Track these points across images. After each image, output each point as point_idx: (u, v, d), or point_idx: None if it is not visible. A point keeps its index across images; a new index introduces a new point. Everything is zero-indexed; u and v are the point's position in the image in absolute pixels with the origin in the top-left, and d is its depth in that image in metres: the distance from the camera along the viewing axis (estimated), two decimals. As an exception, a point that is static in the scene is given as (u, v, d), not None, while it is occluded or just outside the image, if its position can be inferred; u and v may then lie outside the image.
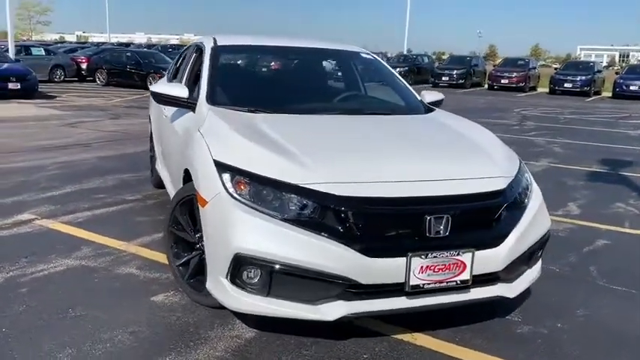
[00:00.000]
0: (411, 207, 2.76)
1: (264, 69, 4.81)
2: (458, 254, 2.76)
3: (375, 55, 4.83)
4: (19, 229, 4.58)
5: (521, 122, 14.08)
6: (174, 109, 4.15)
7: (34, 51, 21.73)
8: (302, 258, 2.63)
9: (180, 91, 3.81)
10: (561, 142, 10.72)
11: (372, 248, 2.66)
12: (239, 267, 2.71)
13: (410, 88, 4.49)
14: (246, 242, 2.67)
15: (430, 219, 2.71)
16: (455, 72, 27.81)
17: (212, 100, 3.73)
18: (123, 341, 2.90)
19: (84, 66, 22.56)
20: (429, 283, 2.75)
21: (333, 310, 2.69)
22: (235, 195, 2.77)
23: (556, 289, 3.78)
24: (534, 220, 3.11)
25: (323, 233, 2.65)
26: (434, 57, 49.30)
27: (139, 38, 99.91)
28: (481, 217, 2.92)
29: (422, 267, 2.71)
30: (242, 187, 2.80)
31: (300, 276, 2.65)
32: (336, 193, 2.68)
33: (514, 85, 26.40)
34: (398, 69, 28.85)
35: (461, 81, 27.54)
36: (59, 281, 3.60)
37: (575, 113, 16.97)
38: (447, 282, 2.79)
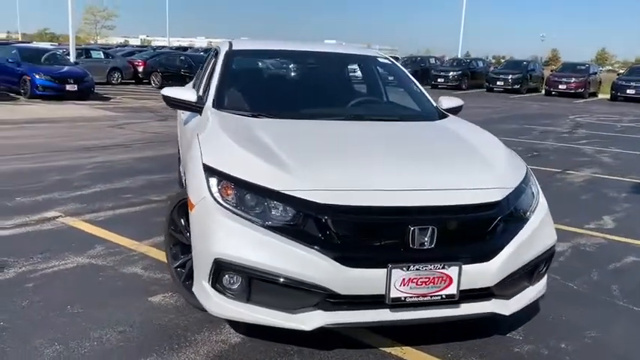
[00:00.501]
0: (394, 217, 2.67)
1: (275, 73, 4.80)
2: (443, 267, 2.65)
3: (392, 60, 4.73)
4: (42, 225, 4.76)
5: (572, 130, 13.49)
6: (188, 112, 4.22)
7: (94, 54, 22.69)
8: (280, 265, 2.59)
9: (188, 94, 3.86)
10: (612, 152, 10.19)
11: (352, 258, 2.59)
12: (219, 272, 2.71)
13: (425, 93, 4.37)
14: (226, 247, 2.66)
15: (414, 230, 2.62)
16: (510, 77, 27.00)
17: (218, 104, 3.76)
18: (110, 340, 2.95)
19: (140, 69, 23.35)
20: (411, 297, 2.65)
21: (310, 320, 2.64)
22: (219, 200, 2.77)
23: (569, 307, 3.58)
24: (536, 234, 2.95)
25: (303, 241, 2.60)
26: (493, 61, 48.04)
27: (199, 42, 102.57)
28: (472, 230, 2.79)
29: (404, 279, 2.62)
30: (228, 192, 2.79)
31: (278, 284, 2.62)
32: (317, 201, 2.63)
33: (572, 91, 25.39)
34: (451, 73, 28.39)
35: (516, 86, 26.70)
36: (66, 278, 3.71)
37: (634, 121, 16.11)
38: (432, 296, 2.68)
